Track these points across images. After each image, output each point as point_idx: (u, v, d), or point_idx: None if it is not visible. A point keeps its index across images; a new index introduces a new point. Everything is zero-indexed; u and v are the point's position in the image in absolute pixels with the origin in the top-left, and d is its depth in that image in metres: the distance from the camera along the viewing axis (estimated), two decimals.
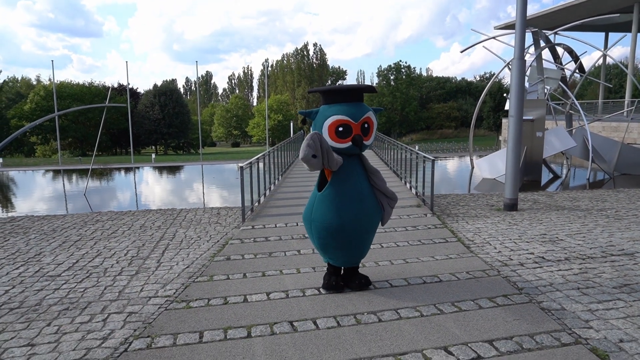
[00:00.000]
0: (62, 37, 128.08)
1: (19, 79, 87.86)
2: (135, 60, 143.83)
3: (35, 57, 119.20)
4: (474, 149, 40.89)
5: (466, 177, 16.84)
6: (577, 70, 16.33)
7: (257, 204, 9.12)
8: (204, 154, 52.03)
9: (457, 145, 53.37)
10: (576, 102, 14.94)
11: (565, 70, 15.56)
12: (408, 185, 10.97)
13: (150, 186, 16.31)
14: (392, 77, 70.71)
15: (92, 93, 52.19)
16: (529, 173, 13.70)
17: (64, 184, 18.16)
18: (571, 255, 5.45)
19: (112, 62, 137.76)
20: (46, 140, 52.12)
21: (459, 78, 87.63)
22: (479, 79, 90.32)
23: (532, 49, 15.67)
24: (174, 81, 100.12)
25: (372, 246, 6.05)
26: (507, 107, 13.22)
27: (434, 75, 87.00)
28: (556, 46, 15.74)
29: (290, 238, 6.58)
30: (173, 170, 22.44)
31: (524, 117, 13.56)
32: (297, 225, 7.36)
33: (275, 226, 7.35)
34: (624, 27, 33.39)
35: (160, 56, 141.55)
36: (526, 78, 13.80)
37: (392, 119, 68.18)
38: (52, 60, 24.32)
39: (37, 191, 15.54)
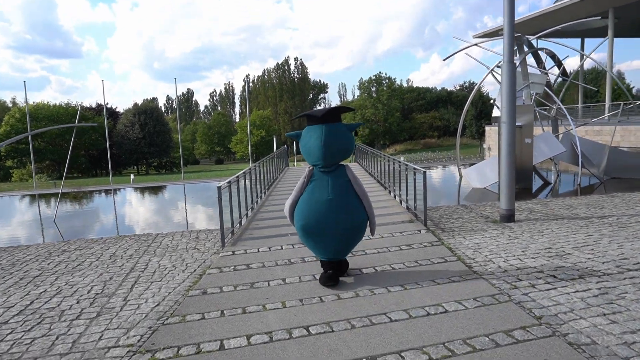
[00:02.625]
0: (40, 58, 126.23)
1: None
2: (116, 80, 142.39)
3: (11, 80, 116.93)
4: (459, 158, 40.99)
5: (454, 187, 16.45)
6: (560, 75, 16.20)
7: (238, 225, 8.49)
8: (186, 172, 51.09)
9: (441, 154, 53.43)
10: (562, 106, 14.73)
11: (549, 74, 15.40)
12: (398, 198, 10.46)
13: (126, 209, 15.49)
14: (373, 89, 70.97)
15: (68, 114, 50.89)
16: (520, 181, 13.32)
17: (37, 209, 17.22)
18: (584, 272, 4.96)
19: (92, 82, 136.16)
20: (22, 164, 50.48)
21: (439, 88, 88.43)
22: (458, 88, 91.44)
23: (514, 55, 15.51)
24: (154, 99, 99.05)
25: (365, 270, 5.50)
26: (495, 113, 12.93)
27: (415, 85, 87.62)
28: (539, 51, 15.60)
29: (275, 264, 5.96)
30: (152, 191, 21.59)
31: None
32: (282, 249, 6.75)
33: (258, 251, 6.72)
34: (599, 33, 33.96)
35: (141, 75, 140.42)
36: None
37: (375, 130, 68.21)
38: (25, 81, 23.26)
39: (4, 219, 14.60)
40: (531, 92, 14.26)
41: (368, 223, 5.17)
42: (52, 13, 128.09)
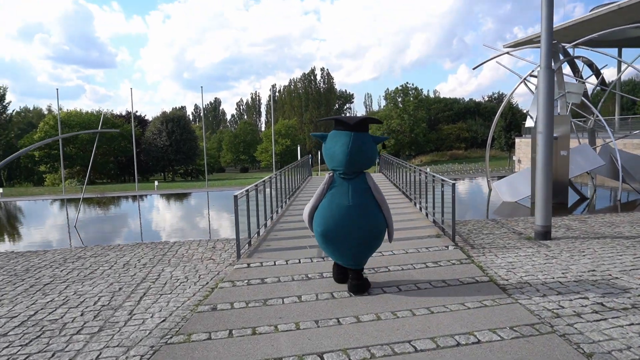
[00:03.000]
0: (77, 68, 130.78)
1: (31, 108, 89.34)
2: (147, 89, 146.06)
3: (50, 89, 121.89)
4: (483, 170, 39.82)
5: (483, 200, 15.74)
6: (599, 84, 15.38)
7: (256, 235, 8.18)
8: (210, 180, 51.50)
9: (468, 166, 52.17)
10: (601, 117, 13.92)
11: (586, 84, 14.62)
12: (424, 211, 9.96)
13: (146, 216, 15.43)
14: (399, 99, 70.27)
15: (99, 121, 52.17)
16: (555, 195, 12.56)
17: (61, 214, 17.42)
18: (637, 301, 4.38)
19: (125, 91, 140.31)
20: (54, 169, 52.02)
21: (466, 99, 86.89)
22: (487, 99, 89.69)
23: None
24: (183, 108, 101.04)
25: (387, 289, 5.06)
26: (528, 123, 12.30)
27: (442, 96, 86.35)
28: (575, 59, 14.86)
29: (291, 279, 5.59)
30: (175, 198, 21.61)
31: None
32: (300, 262, 6.37)
33: (275, 264, 6.36)
34: (636, 42, 32.50)
35: (170, 85, 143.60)
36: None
37: (401, 141, 67.39)
38: (57, 89, 23.73)
39: (28, 223, 14.76)
40: (567, 102, 13.54)
41: (387, 230, 5.15)
42: (89, 25, 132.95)
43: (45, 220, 15.48)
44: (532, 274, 5.51)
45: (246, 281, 5.60)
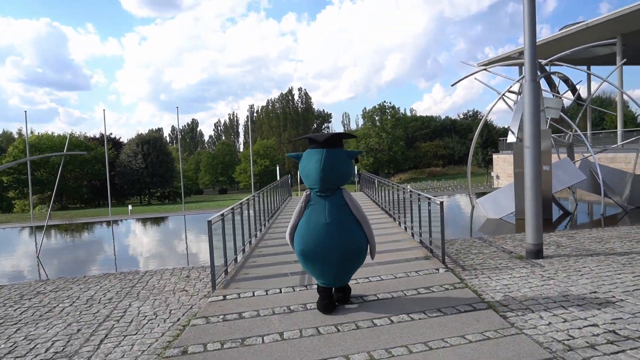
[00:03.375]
0: (50, 90, 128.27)
1: (0, 132, 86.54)
2: (123, 111, 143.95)
3: (21, 112, 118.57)
4: (465, 187, 40.07)
5: (466, 218, 15.48)
6: (575, 99, 15.54)
7: (234, 262, 7.62)
8: (188, 203, 50.29)
9: (447, 182, 52.65)
10: (580, 132, 13.96)
11: (564, 99, 14.72)
12: (409, 231, 9.57)
13: (118, 243, 14.57)
14: (377, 118, 70.90)
15: (72, 144, 50.67)
16: None
17: (30, 242, 16.38)
18: None
19: (100, 113, 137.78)
20: (23, 195, 50.02)
21: (442, 117, 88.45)
22: (462, 116, 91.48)
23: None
24: (160, 130, 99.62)
25: (378, 320, 4.60)
26: (509, 138, 12.19)
27: (418, 115, 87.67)
28: (552, 75, 14.99)
29: (272, 313, 5.06)
30: (150, 222, 20.72)
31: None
32: (281, 292, 5.85)
33: (253, 295, 5.82)
34: (604, 61, 33.60)
35: (147, 107, 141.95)
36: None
37: (379, 159, 67.74)
38: (25, 111, 22.61)
39: None
40: (546, 117, 13.54)
41: (368, 248, 5.08)
42: (63, 47, 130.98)
43: (6, 250, 14.48)
44: (531, 298, 5.13)
45: (222, 316, 5.04)
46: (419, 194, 8.43)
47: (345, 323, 4.60)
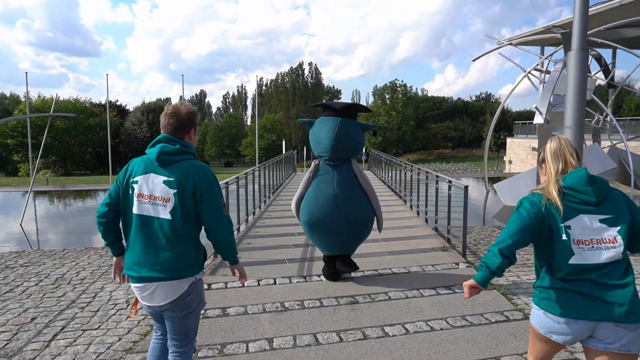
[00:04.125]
0: (60, 56, 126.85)
1: (8, 95, 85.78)
2: (132, 79, 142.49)
3: (32, 76, 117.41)
4: (475, 171, 38.73)
5: (478, 203, 14.47)
6: (608, 81, 14.33)
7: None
8: None
9: (456, 165, 51.45)
10: (613, 117, 12.85)
11: (597, 80, 13.53)
12: (422, 216, 8.68)
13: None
14: (387, 96, 69.22)
15: (77, 109, 49.91)
16: None
17: (21, 209, 15.72)
18: None
19: (110, 80, 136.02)
20: (26, 158, 49.59)
21: (454, 98, 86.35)
22: (475, 98, 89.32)
23: (550, 59, 13.69)
24: (167, 100, 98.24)
25: (391, 330, 3.75)
26: (536, 120, 11.12)
27: (429, 95, 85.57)
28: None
29: (262, 310, 4.23)
30: None
31: (554, 132, 11.48)
32: (275, 283, 5.02)
33: (243, 285, 4.99)
34: (634, 44, 31.78)
35: (156, 76, 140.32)
36: (550, 88, 11.76)
37: (388, 138, 66.39)
38: (26, 72, 21.40)
39: None
40: None
41: (375, 219, 4.96)
42: (73, 12, 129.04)
43: None
44: None
45: (202, 311, 4.22)
46: (437, 175, 7.51)
47: (349, 330, 3.76)
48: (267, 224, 8.45)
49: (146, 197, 2.23)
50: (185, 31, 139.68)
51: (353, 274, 5.22)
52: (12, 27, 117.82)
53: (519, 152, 32.35)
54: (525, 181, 12.73)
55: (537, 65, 14.14)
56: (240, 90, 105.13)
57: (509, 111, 55.75)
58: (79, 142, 50.86)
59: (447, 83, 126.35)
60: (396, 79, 74.65)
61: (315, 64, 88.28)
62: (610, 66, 15.34)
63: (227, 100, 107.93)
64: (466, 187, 5.95)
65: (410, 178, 10.49)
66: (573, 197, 1.92)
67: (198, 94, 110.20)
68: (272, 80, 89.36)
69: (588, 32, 13.19)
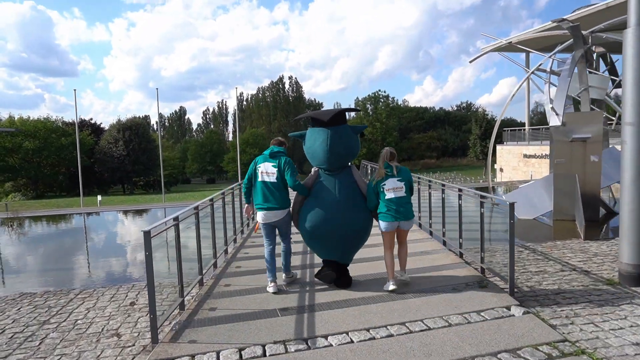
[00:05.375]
0: (35, 76, 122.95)
1: None
2: (111, 98, 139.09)
3: (6, 97, 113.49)
4: (465, 180, 37.70)
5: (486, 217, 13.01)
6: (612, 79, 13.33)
7: (198, 286, 5.24)
8: (173, 192, 47.45)
9: (443, 175, 50.54)
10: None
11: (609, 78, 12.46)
12: (439, 239, 7.25)
13: (61, 244, 11.91)
14: (370, 107, 68.48)
15: (47, 129, 47.51)
16: (584, 209, 10.20)
17: None
18: None
19: (87, 100, 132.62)
20: None
21: (435, 108, 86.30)
22: (456, 108, 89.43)
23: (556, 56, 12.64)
24: (146, 118, 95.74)
25: None
26: (552, 121, 9.91)
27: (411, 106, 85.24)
28: (590, 49, 12.70)
29: None
30: (115, 217, 18.13)
31: (575, 136, 10.25)
32: (265, 355, 3.48)
33: (218, 357, 3.45)
34: None
35: (135, 94, 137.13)
36: (560, 86, 10.61)
37: (372, 150, 65.41)
38: None
39: None
40: (590, 97, 11.29)
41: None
42: (48, 32, 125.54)
43: None
44: None
45: None
46: (461, 190, 6.11)
47: None
48: (251, 254, 6.88)
49: (265, 173, 4.79)
50: (163, 49, 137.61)
51: (379, 352, 3.73)
52: None
53: (510, 159, 31.48)
54: (538, 191, 11.49)
55: (540, 64, 13.05)
56: (220, 106, 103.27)
57: (494, 119, 55.38)
58: (51, 162, 48.30)
59: (426, 94, 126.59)
60: (379, 90, 74.03)
61: (296, 78, 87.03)
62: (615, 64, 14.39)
63: (208, 116, 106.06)
64: (511, 206, 4.55)
65: (418, 190, 9.09)
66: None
67: (177, 110, 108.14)
68: (252, 95, 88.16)
69: (607, 22, 12.16)
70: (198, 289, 5.21)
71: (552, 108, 9.83)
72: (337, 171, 4.81)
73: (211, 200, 6.09)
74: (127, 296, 5.78)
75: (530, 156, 27.77)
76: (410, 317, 4.05)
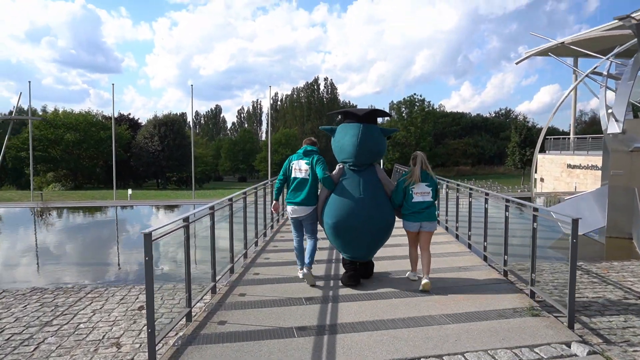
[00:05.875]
0: (82, 72, 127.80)
1: (25, 108, 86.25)
2: (151, 95, 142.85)
3: (55, 91, 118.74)
4: (501, 189, 36.03)
5: (525, 229, 11.77)
6: None
7: (209, 294, 4.78)
8: (204, 189, 47.88)
9: (478, 183, 48.84)
10: None
11: None
12: (479, 253, 6.54)
13: (84, 239, 11.78)
14: (405, 111, 67.21)
15: (87, 122, 48.99)
16: (636, 226, 9.19)
17: None
18: None
19: (129, 96, 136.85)
20: (36, 172, 48.67)
21: (472, 114, 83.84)
22: (494, 115, 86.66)
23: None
24: (183, 115, 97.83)
25: None
26: (610, 128, 8.95)
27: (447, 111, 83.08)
28: None
29: None
30: (143, 211, 18.11)
31: (637, 145, 9.27)
32: None
33: None
34: None
35: (174, 92, 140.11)
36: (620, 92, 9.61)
37: (406, 154, 64.08)
38: (29, 82, 19.94)
39: None
40: (635, 100, 10.22)
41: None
42: (96, 30, 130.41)
43: None
44: None
45: None
46: (508, 200, 5.40)
47: None
48: (272, 261, 6.37)
49: (298, 169, 5.05)
50: (203, 48, 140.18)
51: None
52: (37, 44, 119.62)
53: (552, 169, 29.84)
54: (589, 204, 10.50)
55: (595, 67, 12.01)
56: (255, 105, 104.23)
57: (535, 127, 53.11)
58: (90, 155, 49.74)
59: (463, 100, 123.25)
60: (414, 94, 72.72)
61: (331, 79, 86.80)
62: None
63: (242, 115, 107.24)
64: (575, 222, 3.84)
65: (456, 199, 8.37)
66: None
67: (213, 108, 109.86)
68: (287, 96, 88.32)
69: None
70: (210, 296, 4.75)
71: (612, 114, 8.88)
72: (362, 168, 4.89)
73: (230, 200, 5.63)
74: (137, 298, 5.40)
75: (574, 166, 26.18)
76: (448, 349, 3.43)
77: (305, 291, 4.85)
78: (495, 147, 71.79)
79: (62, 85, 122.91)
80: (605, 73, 11.62)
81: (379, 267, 5.59)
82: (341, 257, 5.29)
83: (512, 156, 49.29)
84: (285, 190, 5.25)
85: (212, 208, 4.78)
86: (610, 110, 9.11)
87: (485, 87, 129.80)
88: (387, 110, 69.49)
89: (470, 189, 7.34)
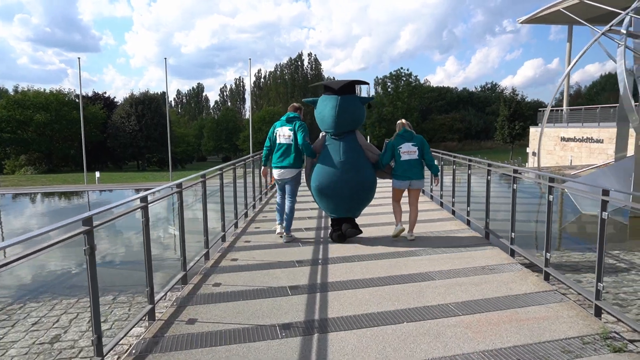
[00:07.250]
0: (59, 51, 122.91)
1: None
2: (132, 75, 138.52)
3: (31, 71, 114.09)
4: (489, 164, 35.37)
5: (532, 207, 10.34)
6: None
7: (177, 293, 3.91)
8: (186, 170, 46.53)
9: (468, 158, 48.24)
10: None
11: None
12: (508, 249, 5.76)
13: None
14: (391, 86, 66.09)
15: (59, 101, 46.75)
16: None
17: None
18: None
19: (109, 76, 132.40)
20: (6, 155, 46.51)
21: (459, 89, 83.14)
22: (480, 89, 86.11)
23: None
24: (164, 94, 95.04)
25: None
26: (625, 93, 8.15)
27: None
28: None
29: None
30: (111, 197, 16.93)
31: None
32: None
33: None
34: None
35: (155, 70, 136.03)
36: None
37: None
38: None
39: None
40: None
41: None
42: (72, 6, 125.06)
43: None
44: None
45: None
46: (516, 171, 4.59)
47: None
48: (253, 243, 5.50)
49: (282, 135, 5.40)
50: (184, 25, 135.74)
51: None
52: (9, 22, 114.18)
53: (545, 142, 29.29)
54: (610, 180, 9.57)
55: (612, 25, 11.03)
56: (237, 83, 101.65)
57: (524, 100, 52.40)
58: (63, 136, 47.58)
59: (448, 75, 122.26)
60: (401, 68, 71.46)
61: (315, 55, 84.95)
62: None
63: (225, 93, 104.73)
64: (605, 192, 3.05)
65: (452, 175, 7.57)
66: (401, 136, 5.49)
67: (195, 87, 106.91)
68: (270, 72, 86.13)
69: None
70: (180, 286, 3.88)
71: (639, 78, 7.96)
72: (343, 136, 5.28)
73: (203, 175, 4.74)
74: (82, 315, 4.49)
75: (568, 139, 25.61)
76: (468, 347, 2.63)
77: (295, 254, 4.79)
78: (482, 122, 71.37)
79: (37, 65, 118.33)
80: (623, 31, 10.49)
81: (367, 233, 5.79)
82: (330, 218, 5.72)
83: (501, 130, 48.69)
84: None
85: (179, 186, 3.90)
86: (634, 75, 8.19)
87: (470, 62, 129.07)
88: (369, 88, 68.35)
89: (470, 160, 6.63)
